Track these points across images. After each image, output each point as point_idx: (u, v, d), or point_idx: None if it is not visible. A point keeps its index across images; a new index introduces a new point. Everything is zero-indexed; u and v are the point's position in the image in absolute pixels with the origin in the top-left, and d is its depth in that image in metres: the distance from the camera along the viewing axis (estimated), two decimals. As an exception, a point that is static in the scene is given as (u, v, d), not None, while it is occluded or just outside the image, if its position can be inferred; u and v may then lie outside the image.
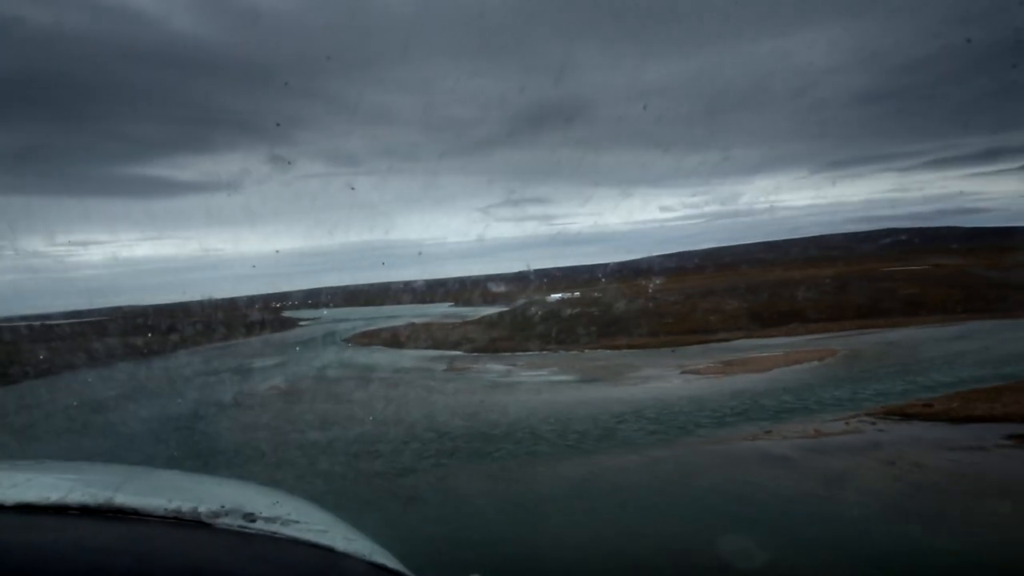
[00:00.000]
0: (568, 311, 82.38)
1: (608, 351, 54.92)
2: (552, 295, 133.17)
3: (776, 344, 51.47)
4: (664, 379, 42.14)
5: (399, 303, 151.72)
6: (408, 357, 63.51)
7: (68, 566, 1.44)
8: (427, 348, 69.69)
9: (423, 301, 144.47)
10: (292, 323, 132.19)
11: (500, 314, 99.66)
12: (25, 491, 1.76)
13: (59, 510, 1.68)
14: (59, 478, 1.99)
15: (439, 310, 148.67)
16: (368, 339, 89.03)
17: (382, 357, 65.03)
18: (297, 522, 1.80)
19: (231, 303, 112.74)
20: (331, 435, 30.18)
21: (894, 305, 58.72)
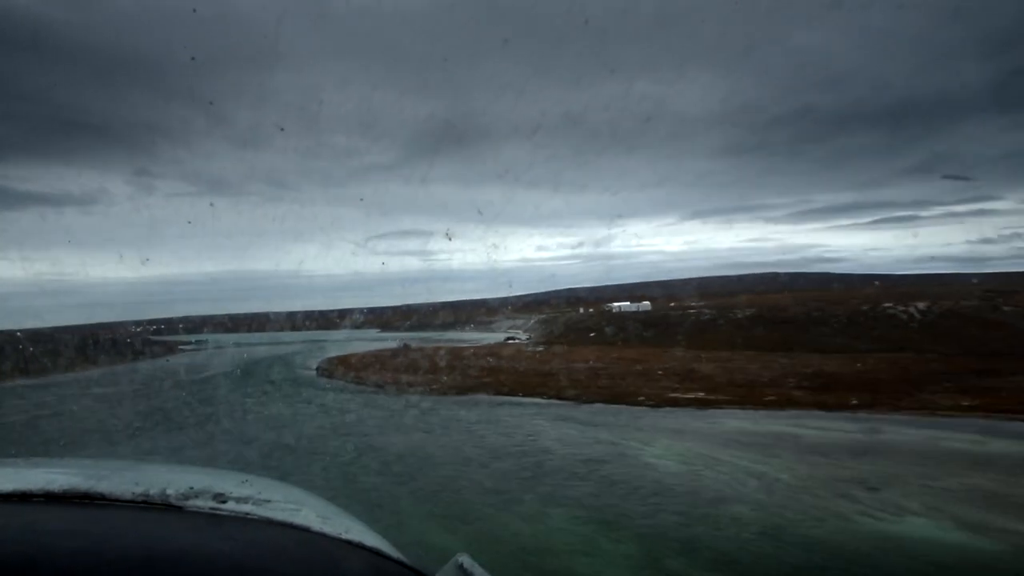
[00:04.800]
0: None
1: None
2: (615, 303, 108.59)
3: None
4: None
5: (284, 330, 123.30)
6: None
7: (27, 550, 1.35)
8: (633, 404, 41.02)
9: (311, 328, 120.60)
10: (171, 347, 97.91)
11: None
12: None
13: (22, 498, 1.60)
14: (21, 471, 1.90)
15: (368, 334, 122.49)
16: (394, 373, 55.35)
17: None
18: (269, 502, 1.74)
19: (80, 329, 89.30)
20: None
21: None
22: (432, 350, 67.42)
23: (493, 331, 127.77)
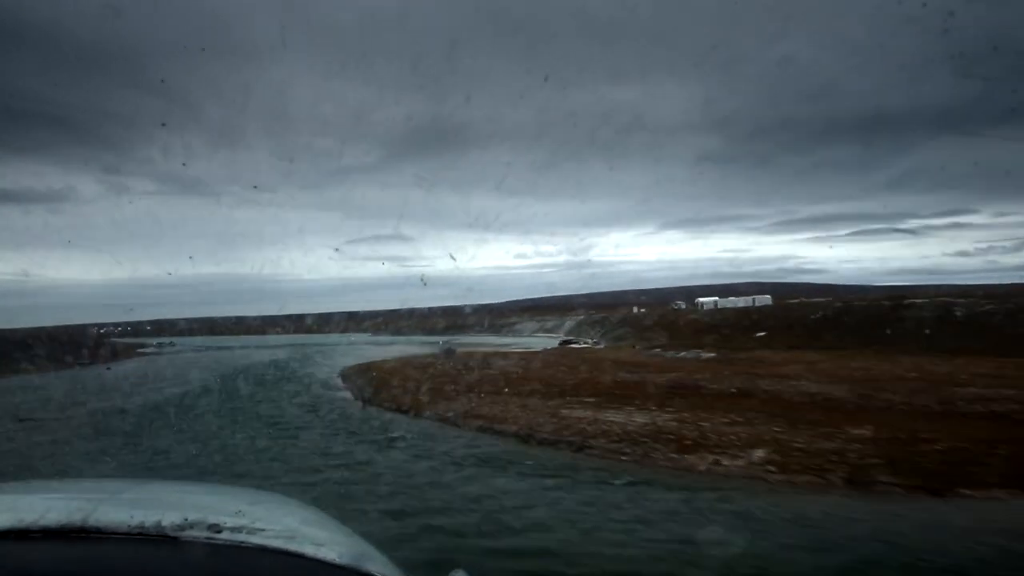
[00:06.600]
0: None
1: None
2: (703, 299, 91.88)
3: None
4: None
5: (266, 334, 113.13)
6: None
7: None
8: None
9: (292, 332, 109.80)
10: (125, 350, 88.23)
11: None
12: None
13: (20, 535, 1.57)
14: (17, 500, 1.87)
15: (360, 337, 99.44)
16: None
17: None
18: (263, 530, 1.73)
19: (33, 332, 73.34)
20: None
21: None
22: (542, 361, 44.91)
23: (517, 335, 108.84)
